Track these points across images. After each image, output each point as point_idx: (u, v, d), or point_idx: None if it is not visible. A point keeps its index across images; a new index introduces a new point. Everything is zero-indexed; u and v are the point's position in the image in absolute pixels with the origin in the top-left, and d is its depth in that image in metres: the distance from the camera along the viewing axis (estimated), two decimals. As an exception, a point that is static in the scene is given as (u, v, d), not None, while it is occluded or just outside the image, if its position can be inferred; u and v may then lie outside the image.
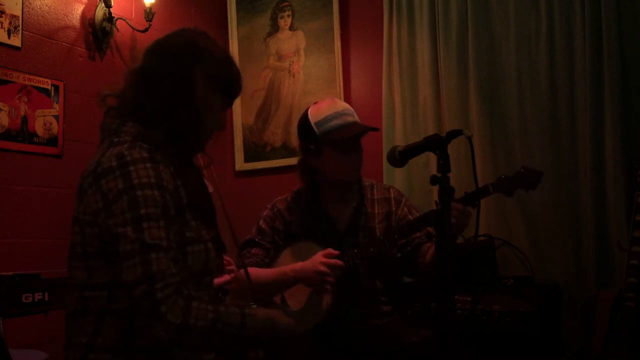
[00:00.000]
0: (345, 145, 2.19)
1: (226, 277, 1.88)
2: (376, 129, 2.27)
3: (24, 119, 3.00)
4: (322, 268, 2.05)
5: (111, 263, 1.31)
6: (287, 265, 2.17)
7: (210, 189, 1.62)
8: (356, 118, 2.25)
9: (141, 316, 1.25)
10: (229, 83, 1.52)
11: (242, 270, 2.02)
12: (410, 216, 2.26)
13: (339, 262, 2.07)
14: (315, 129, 2.20)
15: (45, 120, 3.09)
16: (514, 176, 2.01)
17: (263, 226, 2.31)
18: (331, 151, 2.20)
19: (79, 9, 3.29)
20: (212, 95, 1.47)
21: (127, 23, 3.45)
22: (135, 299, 1.25)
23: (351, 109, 2.26)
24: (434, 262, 2.08)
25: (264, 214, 2.34)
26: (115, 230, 1.28)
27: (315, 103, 2.30)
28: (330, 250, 2.11)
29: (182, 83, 1.43)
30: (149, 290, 1.23)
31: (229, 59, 1.52)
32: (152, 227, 1.28)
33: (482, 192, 1.97)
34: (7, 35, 2.95)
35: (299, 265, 2.12)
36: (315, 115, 2.22)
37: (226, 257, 1.90)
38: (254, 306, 1.65)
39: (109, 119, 1.46)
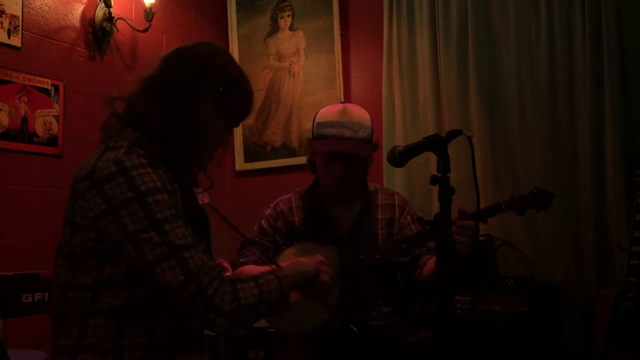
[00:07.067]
0: (325, 157, 2.18)
1: None
2: (360, 155, 2.15)
3: (24, 119, 3.00)
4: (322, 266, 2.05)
5: (100, 264, 1.31)
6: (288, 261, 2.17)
7: (206, 200, 1.60)
8: (358, 134, 2.13)
9: (195, 314, 1.28)
10: (238, 105, 1.49)
11: (239, 269, 2.02)
12: (412, 225, 2.24)
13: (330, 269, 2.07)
14: (314, 129, 2.20)
15: (45, 120, 3.09)
16: (527, 196, 2.00)
17: (265, 225, 2.30)
18: (318, 157, 2.20)
19: (79, 9, 3.29)
20: (219, 115, 1.45)
21: (127, 23, 3.46)
22: (185, 301, 1.27)
23: (359, 123, 2.13)
24: (432, 278, 2.03)
25: (267, 212, 2.33)
26: (136, 237, 1.27)
27: (332, 104, 2.26)
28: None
29: (188, 99, 1.40)
30: (198, 290, 1.26)
31: (242, 81, 1.49)
32: (174, 227, 1.29)
33: (494, 210, 1.97)
34: (7, 35, 2.95)
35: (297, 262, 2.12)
36: (321, 115, 2.21)
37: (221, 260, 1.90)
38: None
39: (112, 122, 1.45)
